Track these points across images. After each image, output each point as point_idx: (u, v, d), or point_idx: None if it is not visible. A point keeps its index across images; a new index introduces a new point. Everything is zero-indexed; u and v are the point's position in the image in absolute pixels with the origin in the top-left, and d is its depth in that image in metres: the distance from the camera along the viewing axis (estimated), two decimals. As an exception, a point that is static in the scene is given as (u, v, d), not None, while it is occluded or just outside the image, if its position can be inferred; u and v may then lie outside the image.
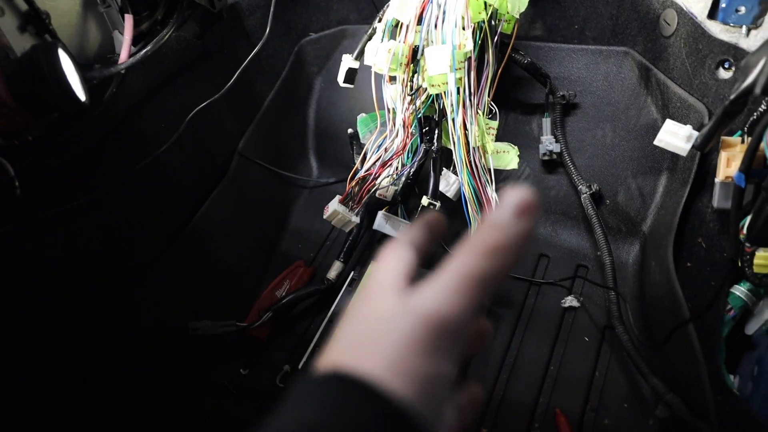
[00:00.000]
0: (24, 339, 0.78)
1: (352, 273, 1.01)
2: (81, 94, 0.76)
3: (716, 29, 0.85)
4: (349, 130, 1.14)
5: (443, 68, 0.85)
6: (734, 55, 0.83)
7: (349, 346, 0.29)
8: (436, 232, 0.37)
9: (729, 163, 0.80)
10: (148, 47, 0.91)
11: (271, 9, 1.10)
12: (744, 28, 0.83)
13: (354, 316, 0.30)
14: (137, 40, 0.93)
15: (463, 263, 0.29)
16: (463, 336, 0.29)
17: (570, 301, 0.99)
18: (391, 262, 0.32)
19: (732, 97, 0.74)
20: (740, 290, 0.82)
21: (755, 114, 0.78)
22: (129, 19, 0.88)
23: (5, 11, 0.73)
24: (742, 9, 0.81)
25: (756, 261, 0.75)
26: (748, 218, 0.73)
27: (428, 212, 0.35)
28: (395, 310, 0.29)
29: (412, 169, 1.02)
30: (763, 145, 0.69)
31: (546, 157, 1.08)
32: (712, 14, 0.86)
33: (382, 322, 0.29)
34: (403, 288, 0.30)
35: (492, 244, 0.29)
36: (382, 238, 1.09)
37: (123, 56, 0.88)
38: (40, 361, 0.79)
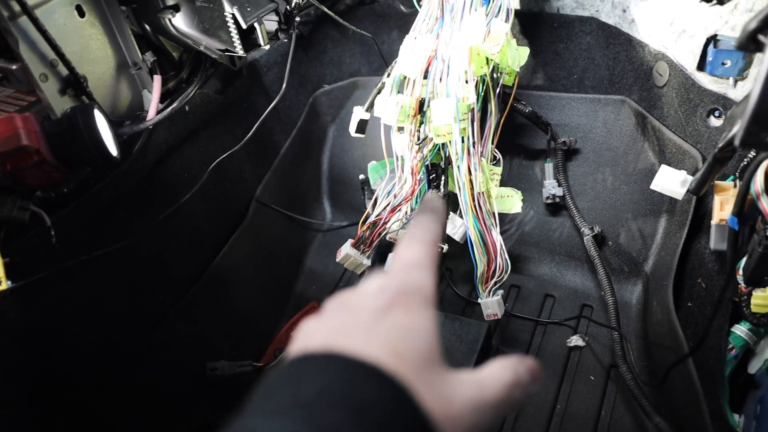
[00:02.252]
0: (51, 377, 0.82)
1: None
2: (113, 150, 0.83)
3: (705, 80, 0.90)
4: (361, 176, 1.20)
5: (448, 119, 0.91)
6: (723, 104, 0.88)
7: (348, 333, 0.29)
8: (441, 219, 0.38)
9: (722, 207, 0.83)
10: (174, 104, 0.98)
11: (288, 65, 1.18)
12: (731, 79, 0.88)
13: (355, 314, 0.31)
14: (164, 98, 1.00)
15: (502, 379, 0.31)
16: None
17: (575, 340, 1.01)
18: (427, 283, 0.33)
19: (720, 145, 0.78)
20: (741, 330, 0.84)
21: (745, 159, 0.82)
22: (157, 79, 0.96)
23: (48, 77, 0.81)
24: (728, 62, 0.87)
25: (753, 301, 0.78)
26: (744, 260, 0.76)
27: (428, 200, 0.37)
28: (451, 379, 0.30)
29: (421, 213, 1.07)
30: (751, 190, 0.73)
31: (549, 201, 1.12)
32: (701, 66, 0.91)
33: (432, 372, 0.29)
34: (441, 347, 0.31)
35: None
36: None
37: (151, 113, 0.95)
38: (68, 397, 0.84)
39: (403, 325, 0.30)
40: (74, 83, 0.84)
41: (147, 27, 0.97)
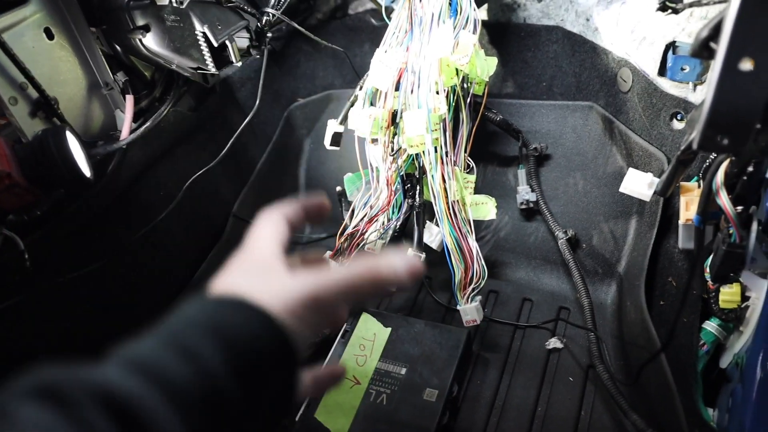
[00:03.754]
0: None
1: (345, 325, 1.06)
2: (86, 171, 0.83)
3: (667, 85, 0.93)
4: (338, 188, 1.21)
5: (420, 130, 0.93)
6: (684, 107, 0.91)
7: (241, 285, 0.38)
8: (311, 214, 0.49)
9: (688, 207, 0.86)
10: (148, 123, 0.98)
11: (261, 81, 1.18)
12: (691, 84, 0.91)
13: (244, 268, 0.41)
14: (137, 117, 1.00)
15: (352, 273, 0.40)
16: (324, 316, 0.40)
17: (554, 342, 1.03)
18: (272, 233, 0.44)
19: (682, 147, 0.81)
20: (711, 326, 0.87)
21: (708, 160, 0.85)
22: (130, 99, 0.96)
23: (18, 100, 0.81)
24: (687, 67, 0.90)
25: (721, 297, 0.80)
26: (711, 257, 0.79)
27: (313, 197, 0.50)
28: (287, 280, 0.39)
29: (398, 223, 1.08)
30: (713, 190, 0.75)
31: (523, 206, 1.14)
32: (662, 72, 0.94)
33: (272, 282, 0.39)
34: (285, 260, 0.42)
35: (380, 275, 0.41)
36: (373, 289, 1.14)
37: (124, 133, 0.95)
38: None
39: (237, 265, 0.42)
40: (45, 106, 0.84)
41: (117, 47, 0.97)
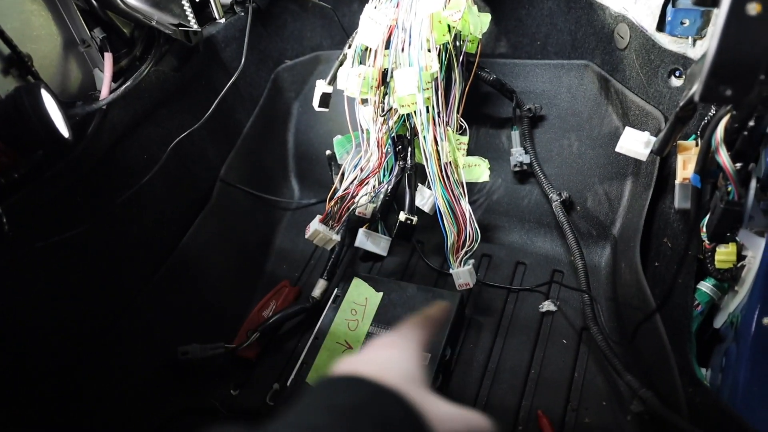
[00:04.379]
0: (15, 368, 0.79)
1: (336, 290, 1.04)
2: (64, 131, 0.79)
3: (665, 41, 0.91)
4: (327, 152, 1.18)
5: (411, 89, 0.90)
6: (683, 64, 0.88)
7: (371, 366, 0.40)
8: (440, 320, 0.52)
9: (685, 166, 0.84)
10: (128, 82, 0.94)
11: (246, 40, 1.14)
12: (690, 39, 0.88)
13: (407, 376, 0.41)
14: (117, 77, 0.96)
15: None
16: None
17: (547, 305, 1.02)
18: (417, 357, 0.45)
19: (681, 103, 0.79)
20: (706, 286, 0.86)
21: (706, 118, 0.83)
22: (108, 57, 0.92)
23: (-12, 56, 0.77)
24: (687, 21, 0.87)
25: (717, 257, 0.80)
26: (707, 217, 0.78)
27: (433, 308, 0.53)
28: (450, 409, 0.41)
29: (389, 187, 1.06)
30: (712, 147, 0.73)
31: (517, 168, 1.12)
32: (660, 27, 0.92)
33: (438, 407, 0.40)
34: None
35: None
36: (364, 254, 1.12)
37: (104, 92, 0.91)
38: (31, 391, 0.81)
39: (387, 357, 0.42)
40: (17, 62, 0.80)
41: (93, 2, 0.92)
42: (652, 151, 0.89)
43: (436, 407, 0.38)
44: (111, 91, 0.92)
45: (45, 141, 0.77)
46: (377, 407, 0.35)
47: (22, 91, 0.75)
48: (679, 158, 0.84)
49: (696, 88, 0.70)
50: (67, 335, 0.86)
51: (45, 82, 0.83)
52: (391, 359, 0.42)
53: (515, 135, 1.12)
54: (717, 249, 0.79)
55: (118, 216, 0.93)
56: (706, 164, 0.76)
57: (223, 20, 0.97)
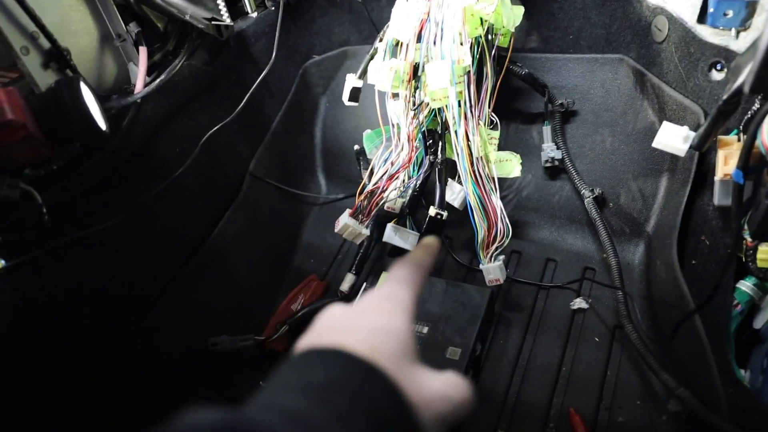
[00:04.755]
0: (49, 357, 0.81)
1: (364, 284, 1.04)
2: (102, 124, 0.80)
3: (706, 33, 0.88)
4: (356, 147, 1.18)
5: (443, 83, 0.89)
6: (725, 57, 0.86)
7: (386, 360, 0.35)
8: (428, 265, 0.46)
9: (727, 161, 0.82)
10: (162, 76, 0.95)
11: (276, 35, 1.14)
12: (733, 30, 0.86)
13: (386, 341, 0.37)
14: (151, 71, 0.97)
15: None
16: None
17: (579, 303, 1.01)
18: (409, 305, 0.41)
19: (725, 97, 0.77)
20: (746, 285, 0.84)
21: (749, 112, 0.81)
22: (143, 51, 0.93)
23: (30, 50, 0.78)
24: (730, 12, 0.84)
25: (759, 256, 0.77)
26: (749, 214, 0.76)
27: (420, 247, 0.47)
28: (432, 382, 0.37)
29: (419, 182, 1.05)
30: (758, 142, 0.71)
31: (548, 164, 1.11)
32: (701, 19, 0.89)
33: (419, 378, 0.36)
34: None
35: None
36: (392, 249, 1.12)
37: (138, 86, 0.92)
38: (64, 379, 0.82)
39: (376, 325, 0.37)
40: (57, 56, 0.81)
41: (129, -4, 0.93)
42: (691, 147, 0.87)
43: (420, 387, 0.35)
44: (145, 85, 0.93)
45: (83, 134, 0.79)
46: (358, 387, 0.32)
47: (62, 84, 0.76)
48: (720, 154, 0.82)
49: (745, 79, 0.68)
50: (99, 324, 0.88)
51: (83, 75, 0.85)
52: (380, 328, 0.37)
53: (547, 130, 1.11)
54: (759, 247, 0.77)
55: (151, 208, 0.94)
56: (749, 160, 0.74)
57: (255, 14, 0.97)
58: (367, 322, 0.37)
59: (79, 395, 0.83)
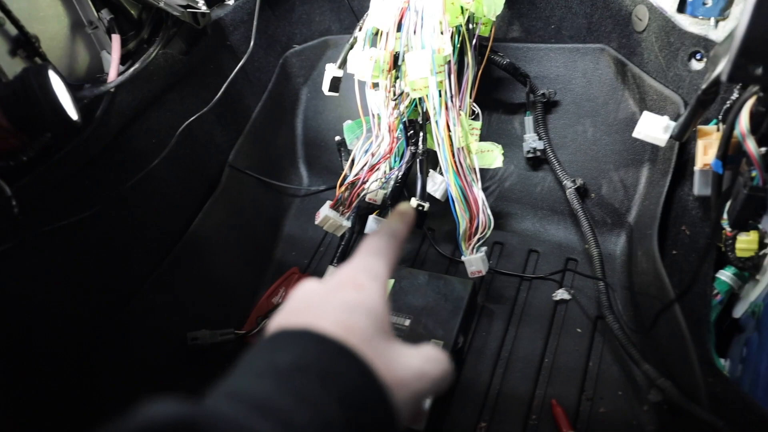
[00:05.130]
0: (26, 352, 0.79)
1: (346, 277, 1.03)
2: (73, 114, 0.78)
3: (686, 22, 0.88)
4: (337, 138, 1.16)
5: (424, 72, 0.88)
6: (705, 46, 0.86)
7: (358, 339, 0.34)
8: (403, 234, 0.43)
9: (706, 151, 0.82)
10: (136, 65, 0.93)
11: (254, 23, 1.12)
12: (712, 20, 0.86)
13: (359, 316, 0.35)
14: (125, 59, 0.95)
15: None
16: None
17: (561, 294, 1.01)
18: (384, 274, 0.39)
19: (704, 86, 0.77)
20: (726, 275, 0.84)
21: (728, 102, 0.81)
22: (116, 39, 0.91)
23: (-5, 36, 0.76)
24: (709, 2, 0.84)
25: (738, 245, 0.77)
26: (728, 204, 0.76)
27: (395, 215, 0.44)
28: (405, 359, 0.35)
29: (400, 173, 1.04)
30: (736, 131, 0.71)
31: (530, 155, 1.10)
32: (681, 8, 0.89)
33: (392, 355, 0.35)
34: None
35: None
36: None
37: (112, 75, 0.90)
38: (39, 377, 0.80)
39: (350, 302, 0.35)
40: (25, 43, 0.79)
41: (101, -18, 0.90)
42: (671, 137, 0.87)
43: (395, 366, 0.34)
44: (119, 74, 0.91)
45: (53, 123, 0.76)
46: (328, 369, 0.31)
47: (30, 72, 0.74)
48: (700, 143, 0.82)
49: (723, 68, 0.67)
50: (75, 320, 0.86)
51: (52, 63, 0.82)
52: (352, 305, 0.35)
53: (528, 121, 1.10)
54: (738, 237, 0.77)
55: (126, 200, 0.92)
56: (728, 149, 0.74)
57: (232, 1, 0.95)
58: (339, 300, 0.35)
59: (55, 389, 0.81)
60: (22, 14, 0.78)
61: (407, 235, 0.44)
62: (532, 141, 1.10)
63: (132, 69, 0.92)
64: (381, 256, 0.40)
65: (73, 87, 0.83)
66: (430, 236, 1.15)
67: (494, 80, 1.13)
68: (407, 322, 0.93)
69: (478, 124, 1.01)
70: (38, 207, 0.79)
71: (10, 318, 0.77)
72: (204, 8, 0.92)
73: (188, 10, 0.94)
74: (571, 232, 1.10)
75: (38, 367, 0.80)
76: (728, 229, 0.79)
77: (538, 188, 1.13)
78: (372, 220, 1.07)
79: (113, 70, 0.90)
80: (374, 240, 0.41)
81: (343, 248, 1.09)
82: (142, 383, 0.92)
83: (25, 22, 0.78)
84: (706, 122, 0.84)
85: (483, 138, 1.06)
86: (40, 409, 0.79)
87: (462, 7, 0.92)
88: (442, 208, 1.02)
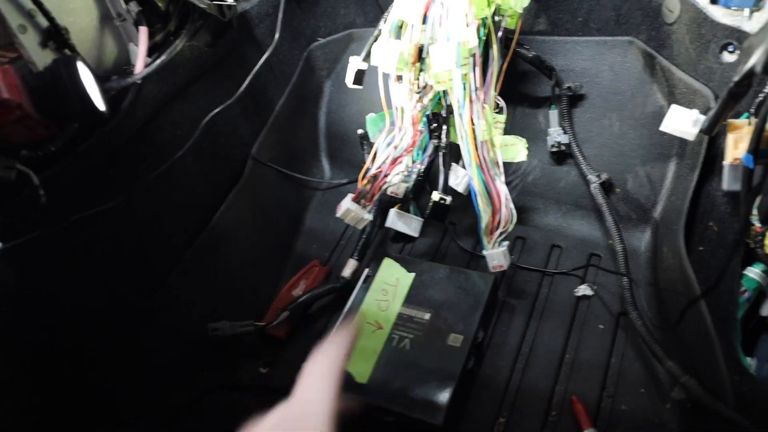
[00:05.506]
0: (49, 342, 0.80)
1: (366, 270, 1.03)
2: (100, 105, 0.79)
3: (719, 13, 0.86)
4: (359, 131, 1.16)
5: (449, 64, 0.87)
6: (738, 38, 0.84)
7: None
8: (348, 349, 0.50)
9: (737, 145, 0.80)
10: (163, 57, 0.94)
11: (280, 16, 1.13)
12: (746, 11, 0.83)
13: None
14: (151, 51, 0.96)
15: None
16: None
17: (583, 289, 0.99)
18: (326, 400, 0.44)
19: (736, 79, 0.75)
20: (754, 272, 0.82)
21: (761, 95, 0.78)
22: (143, 31, 0.92)
23: (27, 28, 0.77)
24: (743, -8, 0.82)
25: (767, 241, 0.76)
26: (759, 199, 0.74)
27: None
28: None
29: (423, 166, 1.04)
30: (768, 123, 0.69)
31: (554, 149, 1.09)
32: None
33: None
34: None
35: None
36: (395, 235, 1.11)
37: (139, 67, 0.91)
38: (65, 365, 0.82)
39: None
40: (55, 35, 0.80)
41: (129, -25, 0.91)
42: (701, 130, 0.85)
43: None
44: (146, 66, 0.92)
45: (81, 114, 0.77)
46: None
47: (60, 63, 0.75)
48: (730, 137, 0.80)
49: (757, 59, 0.66)
50: (99, 309, 0.87)
51: (81, 55, 0.83)
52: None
53: (553, 114, 1.09)
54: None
55: (151, 191, 0.94)
56: (760, 143, 0.73)
57: (258, -6, 0.95)
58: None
59: (78, 380, 0.83)
60: (52, 6, 0.79)
61: (352, 348, 0.50)
62: (556, 135, 1.08)
63: (159, 61, 0.93)
64: (327, 385, 0.45)
65: (100, 78, 0.84)
66: (452, 230, 1.15)
67: (519, 73, 1.12)
68: (427, 316, 0.92)
69: (502, 117, 1.00)
70: (64, 196, 0.81)
71: (38, 305, 0.79)
72: (231, 1, 0.93)
73: (215, 2, 0.95)
74: (595, 228, 1.08)
75: (60, 358, 0.82)
76: (758, 224, 0.77)
77: (562, 183, 1.12)
78: (393, 213, 1.07)
79: (140, 62, 0.91)
80: (320, 362, 0.47)
81: (364, 241, 1.09)
82: (162, 373, 0.94)
83: (55, 14, 0.79)
84: (737, 116, 0.82)
85: (507, 131, 1.04)
86: (62, 399, 0.80)
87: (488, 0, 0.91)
88: (464, 201, 1.01)
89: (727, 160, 0.80)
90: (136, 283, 0.93)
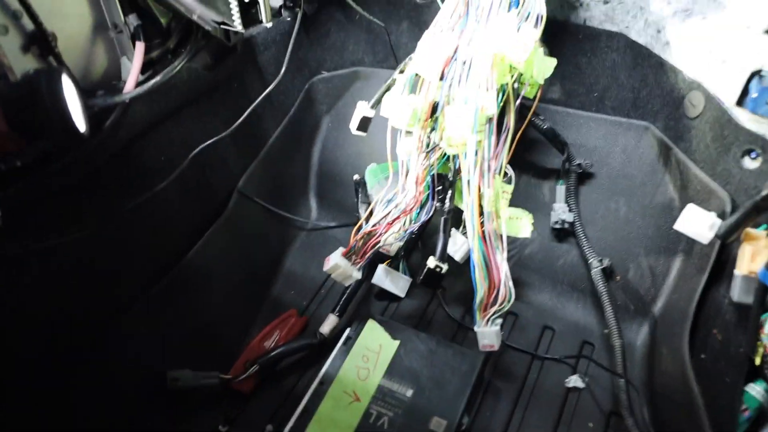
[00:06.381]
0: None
1: (348, 330, 0.96)
2: (81, 124, 0.71)
3: (744, 117, 0.84)
4: (356, 177, 1.10)
5: (464, 130, 0.82)
6: (762, 146, 0.81)
7: None
8: None
9: (754, 258, 0.77)
10: (158, 77, 0.86)
11: (289, 48, 1.07)
12: (774, 120, 0.81)
13: None
14: (145, 68, 0.88)
15: None
16: None
17: (574, 381, 0.94)
18: None
19: (765, 193, 0.72)
20: (756, 390, 0.79)
21: (785, 212, 0.76)
22: (140, 46, 0.84)
23: (9, 29, 0.68)
24: (774, 101, 0.80)
25: (776, 362, 0.72)
26: (770, 316, 0.71)
27: None
28: None
29: (417, 226, 0.98)
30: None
31: (557, 226, 1.05)
32: (740, 102, 0.85)
33: None
34: None
35: None
36: (380, 292, 1.04)
37: (129, 85, 0.83)
38: (14, 399, 0.72)
39: None
40: (40, 40, 0.71)
41: (133, -15, 0.84)
42: (716, 236, 0.82)
43: None
44: (137, 84, 0.84)
45: (57, 132, 0.69)
46: None
47: (41, 74, 0.67)
48: (747, 248, 0.77)
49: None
50: (50, 344, 0.77)
51: (67, 65, 0.75)
52: None
53: (560, 189, 1.05)
54: (778, 354, 0.72)
55: (125, 221, 0.85)
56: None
57: (270, 24, 0.89)
58: None
59: (29, 419, 0.73)
60: (42, 9, 0.71)
61: None
62: (561, 212, 1.04)
63: (152, 81, 0.85)
64: None
65: (85, 93, 0.76)
66: (440, 295, 1.08)
67: (529, 141, 1.08)
68: (410, 393, 0.86)
69: (510, 187, 0.96)
70: (27, 218, 0.72)
71: None
72: (240, 28, 0.86)
73: (222, 26, 0.88)
74: (590, 314, 1.04)
75: (11, 390, 0.72)
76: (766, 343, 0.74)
77: (561, 261, 1.07)
78: (381, 270, 1.00)
79: (132, 80, 0.83)
80: None
81: (348, 297, 1.02)
82: (114, 420, 0.84)
83: (44, 17, 0.71)
84: (755, 226, 0.80)
85: (510, 200, 1.00)
86: None
87: (511, 66, 0.87)
88: (457, 266, 0.95)
89: (742, 271, 0.77)
90: (96, 319, 0.83)
